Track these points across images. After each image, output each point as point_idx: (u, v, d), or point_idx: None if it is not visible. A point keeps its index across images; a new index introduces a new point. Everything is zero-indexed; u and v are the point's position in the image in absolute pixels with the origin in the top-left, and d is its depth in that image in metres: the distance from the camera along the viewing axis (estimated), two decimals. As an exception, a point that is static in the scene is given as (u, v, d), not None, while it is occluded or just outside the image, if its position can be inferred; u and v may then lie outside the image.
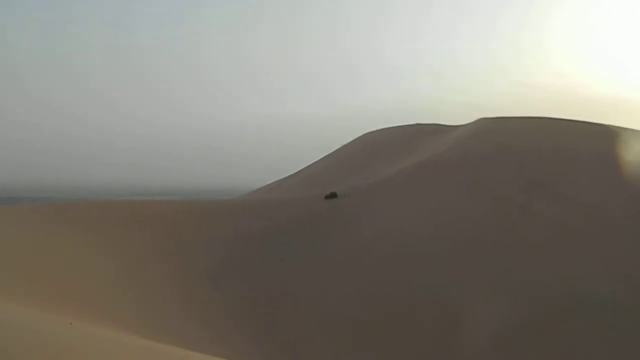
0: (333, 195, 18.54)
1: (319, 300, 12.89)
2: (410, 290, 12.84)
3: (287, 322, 12.21)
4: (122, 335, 8.67)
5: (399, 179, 19.33)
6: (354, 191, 18.71)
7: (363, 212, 16.91)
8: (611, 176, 17.01)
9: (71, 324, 8.40)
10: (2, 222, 14.72)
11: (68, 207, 17.98)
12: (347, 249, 14.97)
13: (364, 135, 31.35)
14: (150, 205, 19.28)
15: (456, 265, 13.35)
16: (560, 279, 12.54)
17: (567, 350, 11.06)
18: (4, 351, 4.89)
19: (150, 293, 12.38)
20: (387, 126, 30.77)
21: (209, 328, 11.53)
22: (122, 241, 14.78)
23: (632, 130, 22.09)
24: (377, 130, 30.77)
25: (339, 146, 32.02)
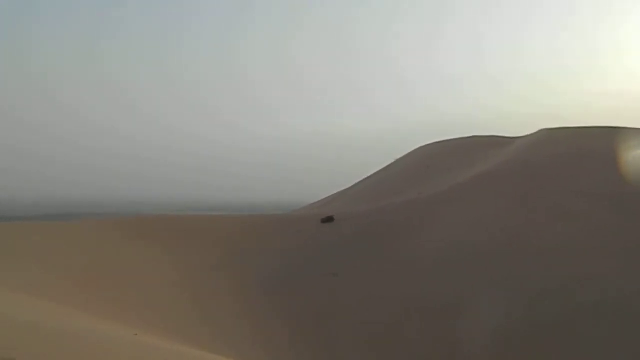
0: (330, 220, 18.53)
1: (368, 314, 12.78)
2: (458, 298, 12.58)
3: (336, 335, 12.19)
4: (183, 348, 8.82)
5: (456, 192, 18.94)
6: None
7: (418, 225, 16.66)
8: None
9: (136, 335, 8.62)
10: (68, 237, 15.51)
11: (130, 222, 18.73)
12: (399, 264, 14.78)
13: (420, 148, 30.95)
14: (209, 220, 19.79)
15: (512, 273, 13.03)
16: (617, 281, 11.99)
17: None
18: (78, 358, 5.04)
19: (208, 304, 12.67)
20: (443, 139, 30.28)
21: (263, 340, 11.64)
22: (182, 254, 15.31)
23: None
24: (433, 143, 30.32)
25: (393, 160, 31.77)
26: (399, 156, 31.84)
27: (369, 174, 31.89)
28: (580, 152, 19.54)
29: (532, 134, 24.39)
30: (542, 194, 16.81)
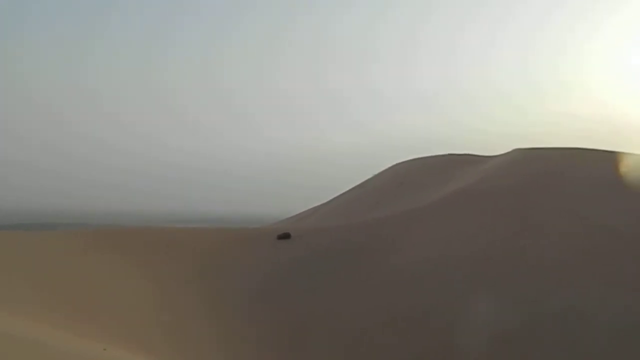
0: (286, 236, 18.51)
1: (347, 327, 12.81)
2: (437, 313, 12.70)
3: (313, 349, 12.17)
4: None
5: (432, 209, 19.17)
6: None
7: (395, 240, 16.80)
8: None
9: (105, 349, 8.51)
10: (42, 247, 15.25)
11: (106, 233, 18.50)
12: (375, 278, 14.86)
13: (395, 165, 31.28)
14: (185, 232, 19.62)
15: (486, 287, 13.24)
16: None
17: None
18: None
19: (183, 319, 12.53)
20: (418, 156, 30.68)
21: (237, 355, 11.54)
22: (158, 266, 15.15)
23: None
24: (408, 160, 30.68)
25: (370, 176, 32.03)
26: (376, 172, 32.15)
27: (347, 189, 32.08)
28: (555, 171, 20.01)
29: (505, 153, 24.91)
30: (519, 211, 17.13)
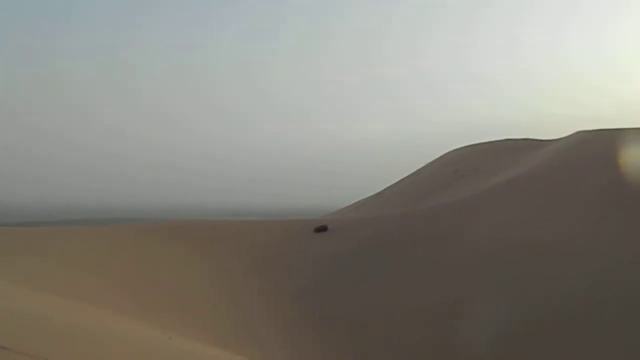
0: (323, 229, 18.33)
1: (399, 320, 12.68)
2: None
3: (367, 343, 12.12)
4: (216, 352, 8.94)
5: (489, 196, 18.66)
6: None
7: (452, 229, 16.46)
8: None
9: (170, 338, 8.77)
10: (105, 240, 15.99)
11: (170, 227, 19.21)
12: (435, 267, 14.59)
13: (450, 152, 30.65)
14: (243, 225, 20.03)
15: (550, 273, 12.74)
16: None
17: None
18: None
19: (242, 310, 12.80)
20: (475, 142, 29.91)
21: (293, 346, 11.68)
22: (217, 258, 15.59)
23: None
24: (463, 147, 29.98)
25: (423, 164, 31.56)
26: (428, 160, 31.62)
27: (399, 178, 31.74)
28: (618, 154, 19.01)
29: (567, 137, 23.87)
30: (573, 199, 16.38)
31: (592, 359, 10.60)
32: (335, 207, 36.87)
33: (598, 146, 20.08)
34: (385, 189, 31.01)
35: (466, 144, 30.17)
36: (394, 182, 31.44)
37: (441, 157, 30.66)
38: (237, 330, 11.69)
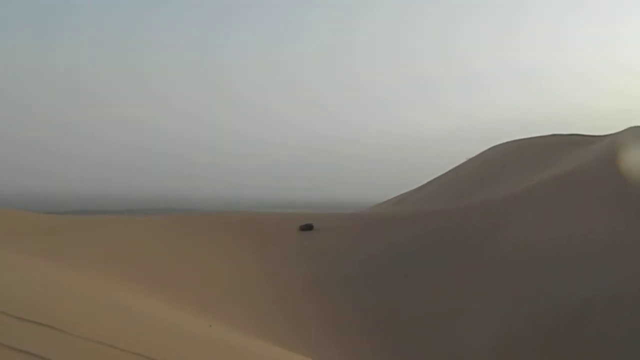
0: (308, 227, 18.07)
1: (439, 319, 12.42)
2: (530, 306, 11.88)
3: (404, 337, 11.94)
4: (257, 342, 8.96)
5: (534, 192, 18.06)
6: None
7: (492, 227, 16.02)
8: None
9: (210, 326, 8.85)
10: (153, 230, 16.48)
11: (218, 217, 19.80)
12: (478, 263, 14.25)
13: (493, 147, 29.92)
14: (284, 217, 20.22)
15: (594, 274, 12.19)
16: None
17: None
18: (169, 346, 5.22)
19: (283, 300, 12.86)
20: (519, 137, 29.08)
21: (335, 337, 11.62)
22: (260, 249, 15.84)
23: None
24: (508, 142, 29.19)
25: (463, 160, 30.94)
26: (470, 156, 30.96)
27: (438, 174, 31.23)
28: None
29: (619, 132, 22.85)
30: (622, 198, 15.62)
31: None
32: (371, 203, 36.64)
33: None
34: (425, 185, 30.58)
35: (510, 140, 29.38)
36: (436, 176, 30.97)
37: (485, 152, 29.99)
38: (278, 320, 11.73)
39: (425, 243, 16.04)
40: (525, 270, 13.38)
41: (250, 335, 9.29)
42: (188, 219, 20.18)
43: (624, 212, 14.98)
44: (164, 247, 14.92)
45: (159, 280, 11.63)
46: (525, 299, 12.30)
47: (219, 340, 7.57)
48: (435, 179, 30.55)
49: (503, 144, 29.45)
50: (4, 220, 16.99)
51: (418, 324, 12.32)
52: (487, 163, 27.12)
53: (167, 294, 10.63)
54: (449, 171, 30.55)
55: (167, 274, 12.44)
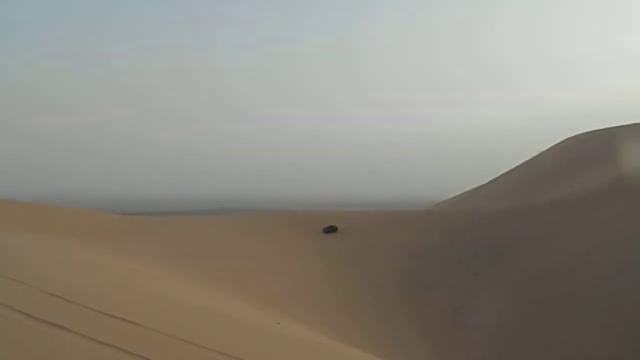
0: (332, 230, 17.95)
1: (501, 314, 12.11)
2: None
3: (470, 335, 11.73)
4: (324, 340, 9.17)
5: (611, 189, 17.14)
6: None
7: (563, 227, 15.36)
8: None
9: (278, 323, 9.14)
10: (216, 229, 17.21)
11: (285, 216, 20.35)
12: (540, 266, 13.72)
13: (568, 139, 28.64)
14: (346, 216, 20.42)
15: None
16: None
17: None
18: (236, 341, 5.51)
19: (344, 295, 13.06)
20: (597, 128, 27.65)
21: (395, 334, 11.66)
22: (323, 246, 16.20)
23: None
24: (584, 133, 27.84)
25: (536, 153, 29.85)
26: (543, 148, 29.82)
27: (509, 168, 30.30)
28: None
29: None
30: None
31: None
32: (441, 198, 36.05)
33: None
34: (495, 179, 29.76)
35: (587, 130, 28.01)
36: (506, 170, 30.10)
37: (557, 145, 28.78)
38: (341, 315, 11.93)
39: (496, 240, 15.68)
40: (604, 271, 12.78)
41: (315, 332, 9.52)
42: (256, 217, 20.91)
43: None
44: (232, 246, 15.54)
45: (229, 278, 12.15)
46: (613, 299, 11.79)
47: (289, 337, 7.84)
48: (504, 174, 29.68)
49: (578, 135, 28.15)
50: (87, 222, 18.23)
51: (487, 324, 12.09)
52: (559, 156, 26.04)
53: (236, 291, 11.09)
54: (520, 165, 29.58)
55: (238, 272, 12.97)
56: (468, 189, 32.40)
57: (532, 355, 10.84)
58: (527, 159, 29.96)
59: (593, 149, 24.43)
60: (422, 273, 14.52)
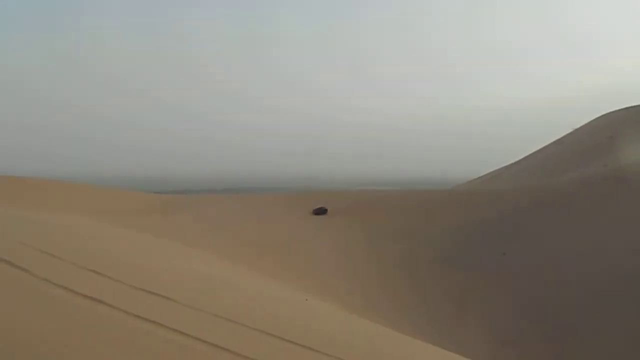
0: (322, 212, 17.83)
1: (533, 297, 11.96)
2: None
3: (506, 316, 11.64)
4: (355, 317, 9.23)
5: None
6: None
7: (595, 206, 14.99)
8: None
9: (306, 300, 9.22)
10: (251, 207, 17.44)
11: (337, 194, 20.55)
12: (572, 246, 13.45)
13: (601, 117, 27.83)
14: (382, 195, 20.46)
15: None
16: None
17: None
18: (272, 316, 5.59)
19: (380, 275, 13.12)
20: (634, 104, 26.75)
21: (433, 313, 11.65)
22: (360, 225, 16.47)
23: None
24: (618, 110, 27.00)
25: (569, 130, 29.11)
26: (576, 126, 29.04)
27: (537, 148, 29.68)
28: None
29: None
30: None
31: None
32: (467, 178, 35.62)
33: None
34: (524, 159, 29.21)
35: (622, 107, 27.13)
36: (531, 152, 29.52)
37: (590, 123, 28.01)
38: (376, 297, 12.00)
39: (524, 220, 15.45)
40: (636, 256, 12.47)
41: (348, 308, 9.59)
42: (294, 196, 21.30)
43: None
44: (272, 221, 15.92)
45: (266, 254, 12.42)
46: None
47: (316, 310, 7.92)
48: (534, 153, 29.11)
49: (612, 112, 27.32)
50: (121, 200, 18.62)
51: (514, 303, 12.00)
52: (594, 134, 25.34)
53: (272, 268, 11.25)
54: (550, 144, 28.94)
55: (281, 248, 13.32)
56: (495, 168, 31.94)
57: (560, 334, 10.74)
58: (560, 136, 29.29)
59: (630, 125, 23.70)
60: (456, 253, 14.52)
